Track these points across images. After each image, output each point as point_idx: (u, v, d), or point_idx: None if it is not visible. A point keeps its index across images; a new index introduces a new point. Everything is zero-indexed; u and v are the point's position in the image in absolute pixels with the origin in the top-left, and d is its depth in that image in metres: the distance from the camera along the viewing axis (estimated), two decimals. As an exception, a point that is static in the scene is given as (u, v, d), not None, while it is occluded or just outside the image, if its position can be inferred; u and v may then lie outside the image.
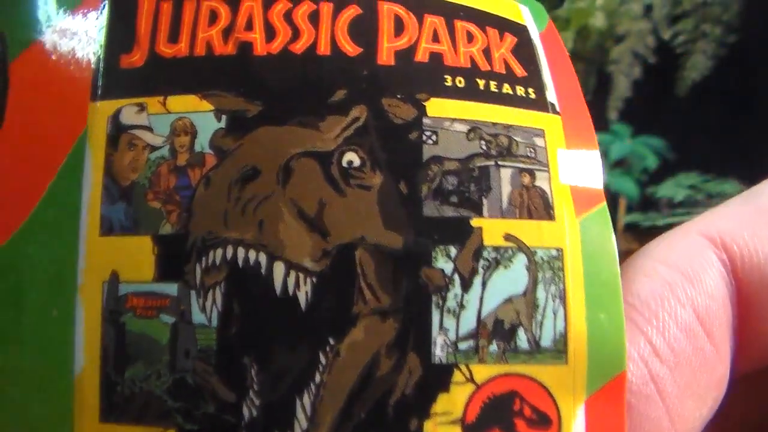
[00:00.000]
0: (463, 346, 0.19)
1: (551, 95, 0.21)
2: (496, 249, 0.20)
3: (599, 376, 0.19)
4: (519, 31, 0.23)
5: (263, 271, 0.20)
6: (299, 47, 0.21)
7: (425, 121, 0.20)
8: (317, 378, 0.19)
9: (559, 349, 0.19)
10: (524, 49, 0.22)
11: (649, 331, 0.19)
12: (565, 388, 0.19)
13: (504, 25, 0.23)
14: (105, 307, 0.20)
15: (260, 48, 0.21)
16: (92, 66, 0.22)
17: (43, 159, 0.21)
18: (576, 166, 0.21)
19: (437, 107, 0.21)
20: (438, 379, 0.19)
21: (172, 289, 0.20)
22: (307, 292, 0.20)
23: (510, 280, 0.19)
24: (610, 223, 0.20)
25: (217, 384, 0.20)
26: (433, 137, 0.20)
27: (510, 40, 0.22)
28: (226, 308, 0.20)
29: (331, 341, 0.19)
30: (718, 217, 0.21)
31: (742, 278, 0.20)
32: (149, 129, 0.21)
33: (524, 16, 0.23)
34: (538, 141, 0.21)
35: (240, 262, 0.20)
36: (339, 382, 0.19)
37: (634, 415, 0.19)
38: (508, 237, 0.20)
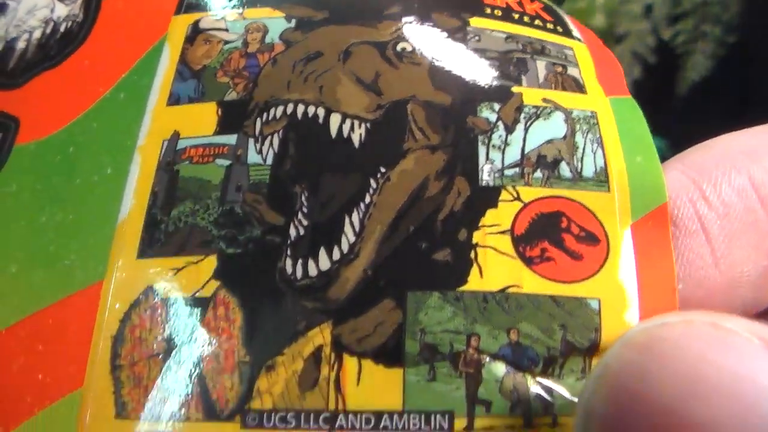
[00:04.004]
0: (509, 172, 0.20)
1: (577, 34, 0.26)
2: (536, 107, 0.22)
3: (642, 205, 0.20)
4: (546, 4, 0.28)
5: (320, 121, 0.22)
6: None
7: (469, 28, 0.24)
8: (367, 199, 0.20)
9: (601, 179, 0.20)
10: (551, 10, 0.27)
11: (701, 181, 0.20)
12: (610, 213, 0.20)
13: None
14: (162, 160, 0.22)
15: None
16: None
17: (122, 56, 0.25)
18: (603, 70, 0.24)
19: (479, 22, 0.24)
20: (486, 197, 0.20)
21: (231, 139, 0.22)
22: (361, 134, 0.21)
23: (550, 127, 0.21)
24: (638, 107, 0.23)
25: (265, 210, 0.20)
26: (476, 38, 0.24)
27: (538, 4, 0.27)
28: (281, 150, 0.21)
29: (383, 169, 0.20)
30: None
31: None
32: (225, 30, 0.25)
33: None
34: (568, 52, 0.24)
35: (299, 115, 0.22)
36: (388, 202, 0.20)
37: (678, 245, 0.20)
38: (546, 100, 0.22)
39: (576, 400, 0.18)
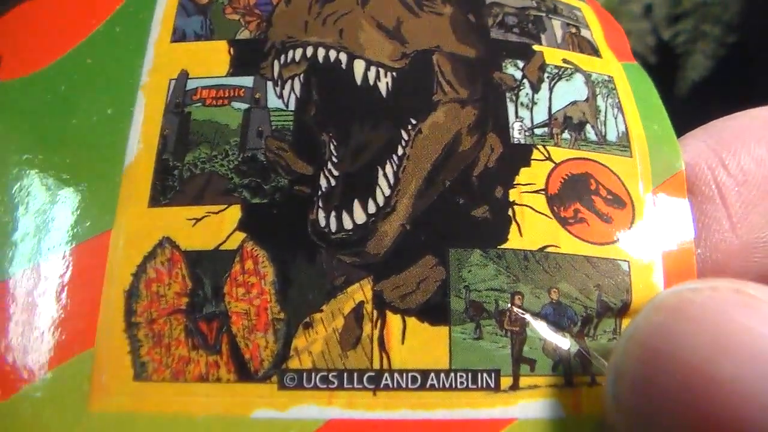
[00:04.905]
0: (538, 131, 0.20)
1: None
2: (557, 67, 0.21)
3: (662, 171, 0.20)
4: None
5: (343, 66, 0.20)
6: None
7: None
8: (400, 151, 0.19)
9: (624, 144, 0.20)
10: None
11: (720, 150, 0.20)
12: (634, 178, 0.20)
13: None
14: (170, 101, 0.19)
15: None
16: None
17: None
18: (610, 33, 0.24)
19: None
20: (519, 155, 0.19)
21: (247, 81, 0.20)
22: (387, 83, 0.20)
23: (573, 88, 0.21)
24: (647, 74, 0.23)
25: (291, 158, 0.19)
26: (491, -9, 0.23)
27: None
28: (304, 95, 0.20)
29: (413, 121, 0.19)
30: None
31: None
32: None
33: None
34: (578, 12, 0.23)
35: (320, 59, 0.20)
36: (422, 155, 0.19)
37: (695, 210, 0.20)
38: (566, 60, 0.22)
39: (608, 360, 0.18)
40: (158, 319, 0.17)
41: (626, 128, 0.20)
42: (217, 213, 0.18)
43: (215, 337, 0.17)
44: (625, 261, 0.18)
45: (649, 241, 0.19)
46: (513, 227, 0.18)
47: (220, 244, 0.18)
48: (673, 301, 0.16)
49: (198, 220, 0.18)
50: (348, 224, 0.18)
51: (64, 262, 0.17)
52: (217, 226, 0.18)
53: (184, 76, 0.19)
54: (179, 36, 0.20)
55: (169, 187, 0.18)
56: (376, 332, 0.17)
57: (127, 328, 0.17)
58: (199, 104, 0.19)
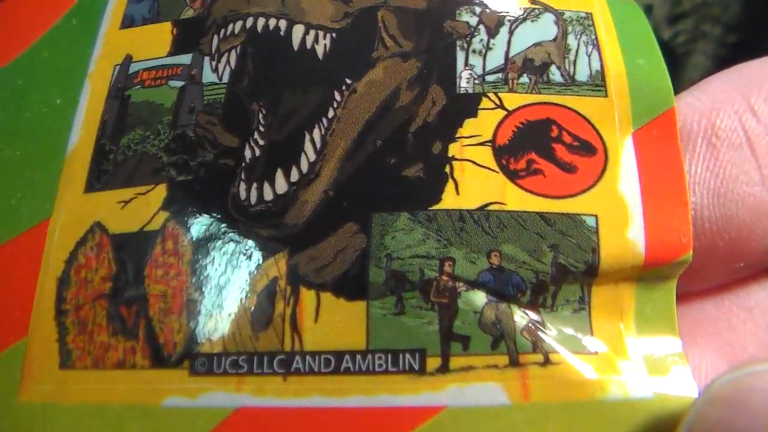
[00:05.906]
0: (491, 78, 0.17)
1: None
2: (523, 8, 0.18)
3: (646, 111, 0.16)
4: None
5: (282, 33, 0.18)
6: None
7: None
8: (330, 113, 0.17)
9: (597, 84, 0.17)
10: None
11: (749, 94, 0.17)
12: (608, 120, 0.16)
13: None
14: (113, 86, 0.19)
15: None
16: None
17: None
18: None
19: None
20: (464, 106, 0.16)
21: (185, 59, 0.19)
22: (325, 45, 0.18)
23: (538, 29, 0.17)
24: (639, 8, 0.19)
25: (219, 132, 0.17)
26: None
27: None
28: (239, 66, 0.18)
29: (348, 81, 0.17)
30: None
31: None
32: None
33: None
34: None
35: (259, 28, 0.19)
36: (354, 115, 0.17)
37: (720, 158, 0.16)
38: (534, 1, 0.19)
39: (574, 334, 0.14)
40: (84, 305, 0.16)
41: (602, 65, 0.16)
42: (144, 194, 0.17)
43: (133, 322, 0.15)
44: (591, 216, 0.15)
45: (626, 191, 0.15)
46: (449, 185, 0.15)
47: (144, 225, 0.16)
48: (729, 391, 0.13)
49: (127, 202, 0.17)
50: (268, 195, 0.16)
51: (5, 254, 0.17)
52: (143, 207, 0.16)
53: (128, 60, 0.18)
54: (128, 22, 0.19)
55: (104, 171, 0.17)
56: (289, 310, 0.15)
57: (57, 316, 0.16)
58: (139, 86, 0.18)
